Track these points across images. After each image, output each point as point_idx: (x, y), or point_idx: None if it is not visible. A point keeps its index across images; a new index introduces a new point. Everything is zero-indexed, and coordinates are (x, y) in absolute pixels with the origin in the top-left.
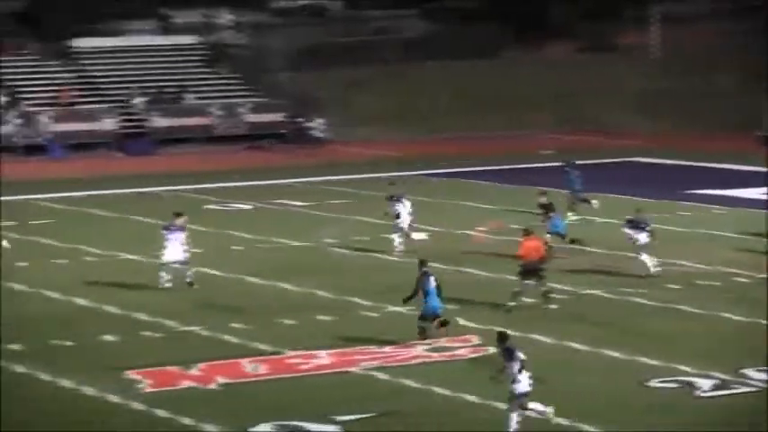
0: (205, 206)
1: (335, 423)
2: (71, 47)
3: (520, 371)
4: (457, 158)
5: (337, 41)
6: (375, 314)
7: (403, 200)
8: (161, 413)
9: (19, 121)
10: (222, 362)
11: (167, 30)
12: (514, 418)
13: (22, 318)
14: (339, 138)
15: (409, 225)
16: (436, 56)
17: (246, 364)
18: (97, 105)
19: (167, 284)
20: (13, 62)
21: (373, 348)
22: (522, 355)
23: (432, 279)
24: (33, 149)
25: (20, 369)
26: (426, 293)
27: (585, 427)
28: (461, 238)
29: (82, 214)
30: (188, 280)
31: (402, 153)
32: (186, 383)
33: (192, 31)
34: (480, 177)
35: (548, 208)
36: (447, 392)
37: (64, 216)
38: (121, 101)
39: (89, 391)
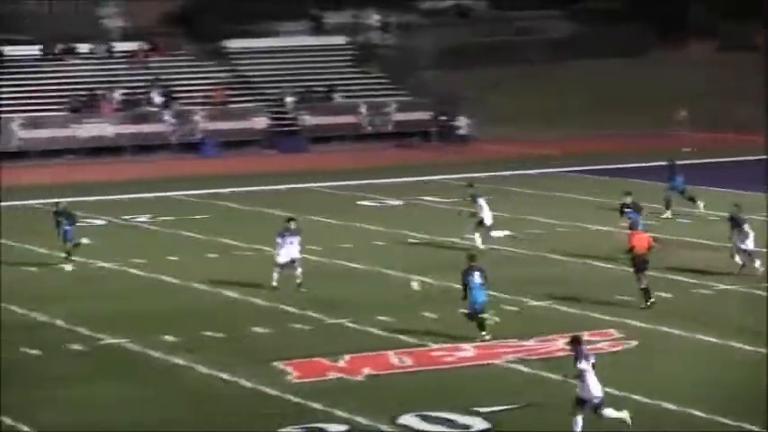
0: (358, 202)
1: (479, 414)
2: (225, 48)
3: (588, 375)
4: (599, 156)
5: (482, 41)
6: (516, 308)
7: (481, 199)
8: (308, 403)
9: (174, 119)
10: (369, 354)
11: (318, 31)
12: (579, 422)
13: (175, 310)
14: (483, 136)
15: (491, 223)
16: (580, 56)
17: (392, 356)
18: (249, 104)
19: (274, 283)
20: (169, 62)
21: (516, 341)
22: (592, 360)
23: (476, 274)
24: (188, 147)
25: (175, 360)
26: (470, 288)
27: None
28: (601, 234)
29: (233, 210)
30: (298, 281)
31: (545, 151)
32: (334, 374)
33: (341, 32)
34: (620, 174)
35: (633, 208)
36: None
37: (216, 211)
38: (273, 100)
39: (239, 380)
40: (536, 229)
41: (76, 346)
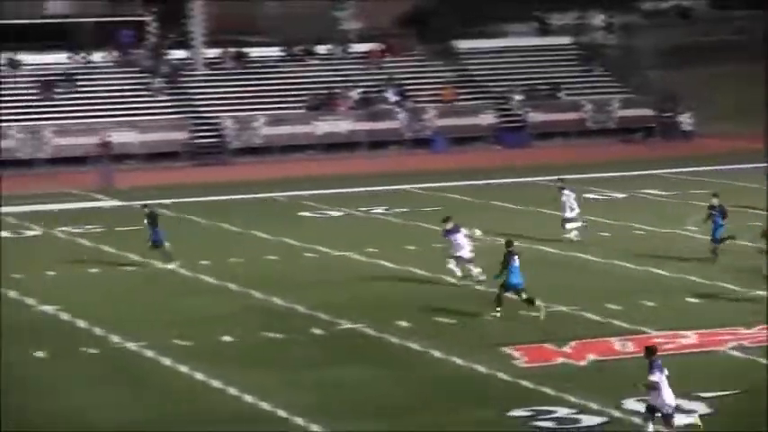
0: (583, 195)
1: (702, 399)
2: (455, 48)
3: (658, 386)
4: None
5: (701, 40)
6: (739, 298)
7: (568, 192)
8: (536, 387)
9: (407, 116)
10: (592, 340)
11: (544, 31)
12: (651, 427)
13: (409, 297)
14: (703, 131)
15: (574, 214)
16: None
17: (616, 342)
18: (477, 102)
19: (459, 274)
20: (402, 62)
21: (741, 329)
22: (666, 371)
23: (516, 258)
24: (419, 143)
25: (410, 345)
26: (510, 271)
27: None
28: None
29: (462, 202)
30: (474, 272)
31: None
32: (560, 360)
33: (566, 33)
34: None
35: (719, 210)
36: None
37: (446, 204)
38: (500, 97)
39: (470, 364)
40: (758, 221)
41: (317, 331)
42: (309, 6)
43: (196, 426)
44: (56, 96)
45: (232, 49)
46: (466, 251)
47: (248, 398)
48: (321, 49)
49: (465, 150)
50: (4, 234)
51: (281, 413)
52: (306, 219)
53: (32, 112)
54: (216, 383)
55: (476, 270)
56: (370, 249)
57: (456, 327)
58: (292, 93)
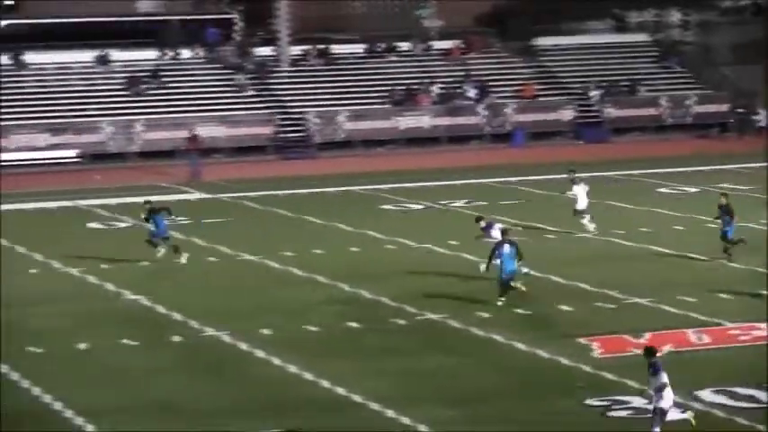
0: (657, 189)
1: None
2: (535, 45)
3: (665, 387)
4: None
5: None
6: None
7: (582, 184)
8: (613, 377)
9: (487, 112)
10: (668, 331)
11: (622, 29)
12: (657, 429)
13: (488, 289)
14: None
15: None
16: None
17: (691, 334)
18: (557, 98)
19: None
20: (482, 59)
21: None
22: (665, 375)
23: (506, 246)
24: (499, 137)
25: (491, 335)
26: (501, 259)
27: None
28: None
29: (541, 196)
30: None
31: None
32: (635, 351)
33: (644, 30)
34: None
35: (725, 210)
36: None
37: (525, 197)
38: (579, 93)
39: (547, 354)
40: None
41: (401, 321)
42: (392, 5)
43: (282, 413)
44: (145, 92)
45: (316, 47)
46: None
47: (335, 387)
48: (403, 46)
49: (544, 145)
50: (95, 225)
51: (366, 401)
52: (388, 212)
53: (123, 108)
54: (302, 372)
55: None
56: (451, 242)
57: (533, 318)
58: (375, 89)
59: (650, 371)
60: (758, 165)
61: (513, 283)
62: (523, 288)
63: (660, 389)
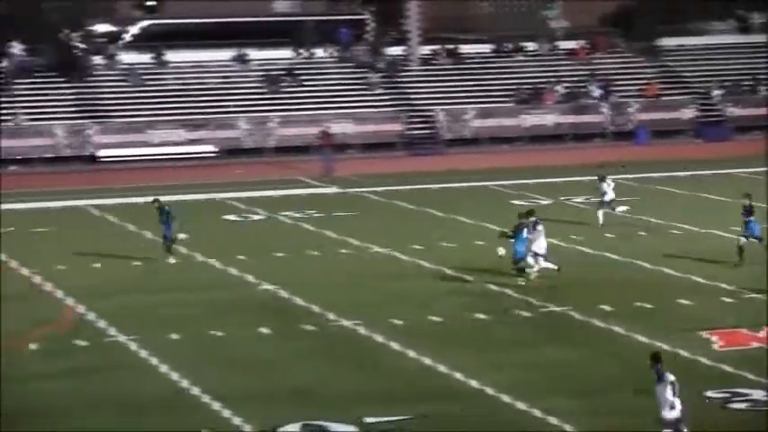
0: None
1: None
2: (658, 45)
3: (673, 394)
4: None
5: None
6: None
7: (608, 180)
8: (733, 370)
9: (610, 110)
10: None
11: (744, 29)
12: None
13: (610, 282)
14: None
15: (612, 200)
16: None
17: None
18: (679, 97)
19: (534, 272)
20: (606, 59)
21: None
22: (671, 377)
23: (525, 230)
24: (622, 135)
25: (612, 327)
26: (516, 239)
27: None
28: None
29: (663, 193)
30: (552, 266)
31: None
32: (754, 344)
33: (766, 31)
34: None
35: (748, 211)
36: None
37: (646, 194)
38: (701, 93)
39: (664, 346)
40: None
41: (525, 313)
42: (519, 6)
43: (412, 401)
44: (281, 90)
45: (445, 47)
46: (540, 245)
47: (460, 376)
48: (529, 46)
49: (666, 143)
50: (231, 218)
51: (490, 391)
52: (514, 207)
53: (259, 104)
54: (429, 361)
55: (547, 264)
56: (573, 236)
57: (654, 311)
58: (501, 87)
59: (656, 378)
60: None
61: (522, 264)
62: (532, 276)
63: (668, 396)
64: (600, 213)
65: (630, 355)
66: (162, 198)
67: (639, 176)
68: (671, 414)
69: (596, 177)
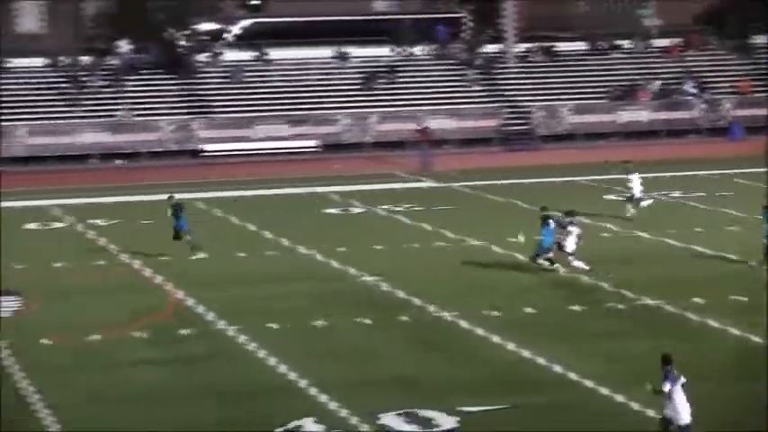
0: None
1: None
2: (751, 43)
3: (677, 396)
4: None
5: None
6: None
7: (635, 175)
8: None
9: (705, 107)
10: None
11: None
12: None
13: (703, 276)
14: None
15: (637, 197)
16: None
17: None
18: None
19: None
20: (700, 56)
21: None
22: (683, 379)
23: (551, 222)
24: (716, 131)
25: (706, 321)
26: (544, 233)
27: None
28: None
29: (752, 188)
30: (584, 266)
31: None
32: None
33: None
34: None
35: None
36: None
37: (738, 189)
38: None
39: (757, 339)
40: None
41: (619, 306)
42: (614, 5)
43: (507, 390)
44: (379, 86)
45: (541, 44)
46: (571, 243)
47: (553, 366)
48: (624, 44)
49: (758, 140)
50: (331, 211)
51: (584, 382)
52: (607, 201)
53: (359, 101)
54: (523, 352)
55: (578, 263)
56: (669, 231)
57: (748, 305)
58: (596, 84)
59: (664, 379)
60: None
61: (548, 255)
62: (552, 267)
63: (668, 397)
64: (629, 207)
65: (721, 347)
66: (261, 192)
67: (733, 172)
68: (688, 419)
69: (624, 173)
